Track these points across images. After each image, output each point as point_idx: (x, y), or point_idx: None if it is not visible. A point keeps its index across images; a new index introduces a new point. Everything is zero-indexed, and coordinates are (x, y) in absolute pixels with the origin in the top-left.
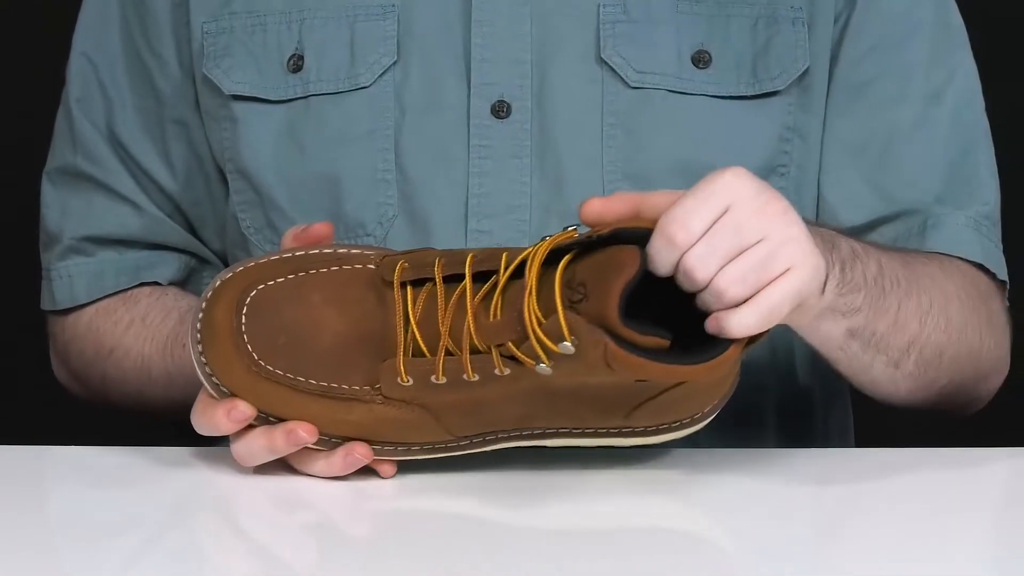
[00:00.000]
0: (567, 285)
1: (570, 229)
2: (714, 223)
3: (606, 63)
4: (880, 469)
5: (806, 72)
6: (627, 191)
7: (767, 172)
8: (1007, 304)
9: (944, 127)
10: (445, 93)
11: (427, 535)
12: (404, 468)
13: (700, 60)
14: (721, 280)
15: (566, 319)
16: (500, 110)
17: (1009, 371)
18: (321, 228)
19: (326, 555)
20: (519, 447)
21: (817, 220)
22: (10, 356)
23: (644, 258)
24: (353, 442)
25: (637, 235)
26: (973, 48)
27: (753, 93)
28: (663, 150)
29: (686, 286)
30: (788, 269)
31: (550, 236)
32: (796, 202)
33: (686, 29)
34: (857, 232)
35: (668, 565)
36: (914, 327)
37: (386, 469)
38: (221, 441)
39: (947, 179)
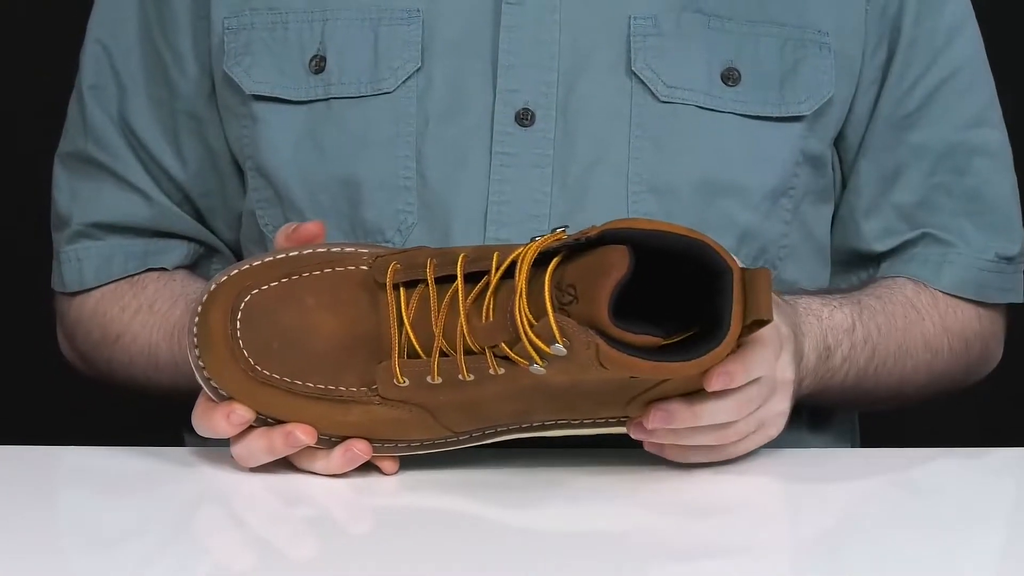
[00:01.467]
0: (557, 286)
1: (559, 230)
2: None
3: (636, 76)
4: (881, 469)
5: (829, 99)
6: (651, 203)
7: (779, 194)
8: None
9: (977, 159)
10: (469, 99)
11: (427, 531)
12: (404, 464)
13: (729, 77)
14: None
15: (557, 322)
16: (524, 118)
17: (1010, 372)
18: (312, 227)
19: (327, 551)
20: (520, 442)
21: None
22: (15, 357)
23: (633, 258)
24: (352, 439)
25: (625, 236)
26: None
27: (779, 115)
28: (689, 165)
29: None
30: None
31: (539, 237)
32: (795, 226)
33: (716, 46)
34: (884, 258)
35: (666, 564)
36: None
37: (388, 466)
38: (226, 441)
39: (972, 208)
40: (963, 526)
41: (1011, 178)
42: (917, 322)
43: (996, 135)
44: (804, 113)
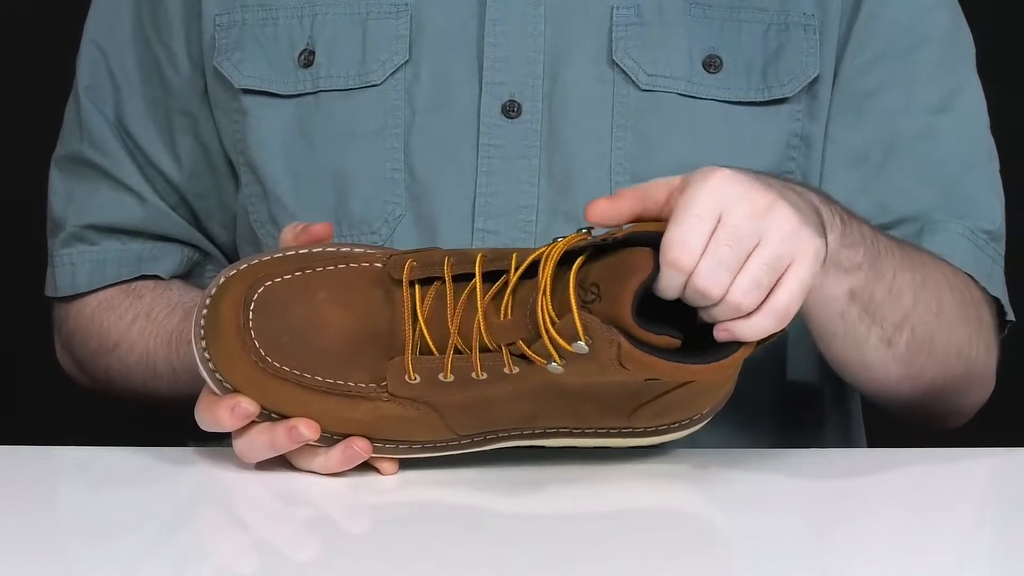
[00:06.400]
0: (580, 285)
1: (583, 231)
2: (712, 235)
3: (617, 65)
4: (879, 468)
5: (815, 80)
6: None
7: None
8: (998, 324)
9: (946, 141)
10: (456, 92)
11: (426, 529)
12: (403, 463)
13: (711, 64)
14: (736, 293)
15: (580, 319)
16: (511, 110)
17: (1006, 369)
18: (321, 228)
19: (327, 550)
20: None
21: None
22: (14, 356)
23: (657, 260)
24: (352, 437)
25: (651, 238)
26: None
27: (763, 99)
28: (672, 153)
29: (699, 302)
30: (791, 263)
31: (563, 238)
32: None
33: (698, 33)
34: None
35: (666, 562)
36: (908, 301)
37: (387, 467)
38: (227, 441)
39: (945, 193)
40: (959, 526)
41: (985, 163)
42: (908, 245)
43: (967, 120)
44: (787, 95)
